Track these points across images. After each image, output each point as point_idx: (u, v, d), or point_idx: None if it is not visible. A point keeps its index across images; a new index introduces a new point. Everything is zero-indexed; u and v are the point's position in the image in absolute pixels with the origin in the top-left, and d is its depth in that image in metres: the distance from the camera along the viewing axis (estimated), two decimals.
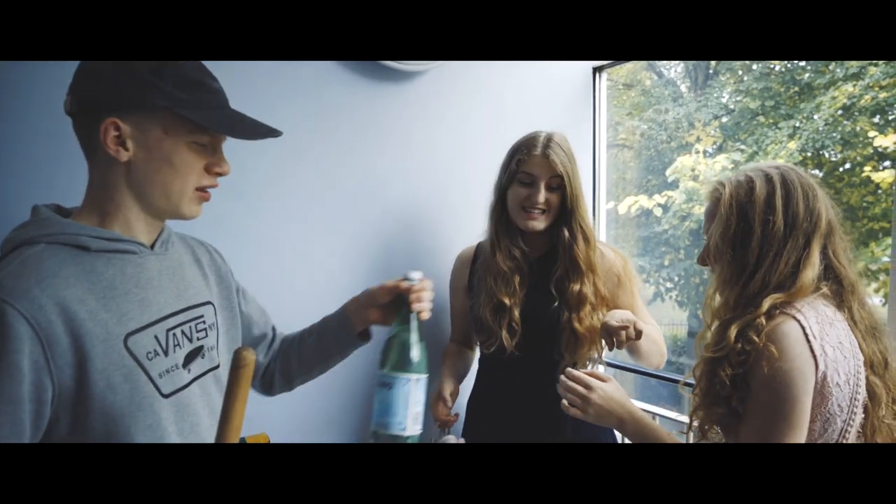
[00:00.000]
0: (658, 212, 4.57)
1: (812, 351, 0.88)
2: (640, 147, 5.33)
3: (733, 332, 0.93)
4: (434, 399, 1.44)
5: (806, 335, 0.90)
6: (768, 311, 0.93)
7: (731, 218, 1.02)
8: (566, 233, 1.47)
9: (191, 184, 0.89)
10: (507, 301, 1.45)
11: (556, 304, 1.47)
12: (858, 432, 0.94)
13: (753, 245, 1.02)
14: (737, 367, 0.92)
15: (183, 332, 0.91)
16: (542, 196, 1.43)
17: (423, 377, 0.90)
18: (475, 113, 1.83)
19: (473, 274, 1.57)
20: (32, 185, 1.24)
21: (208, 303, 0.97)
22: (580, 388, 1.08)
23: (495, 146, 1.67)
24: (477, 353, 1.62)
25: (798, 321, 0.90)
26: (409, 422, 0.92)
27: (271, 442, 1.56)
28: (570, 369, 1.09)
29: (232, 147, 1.00)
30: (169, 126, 0.85)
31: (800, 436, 0.92)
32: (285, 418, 1.61)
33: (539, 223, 1.45)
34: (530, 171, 1.45)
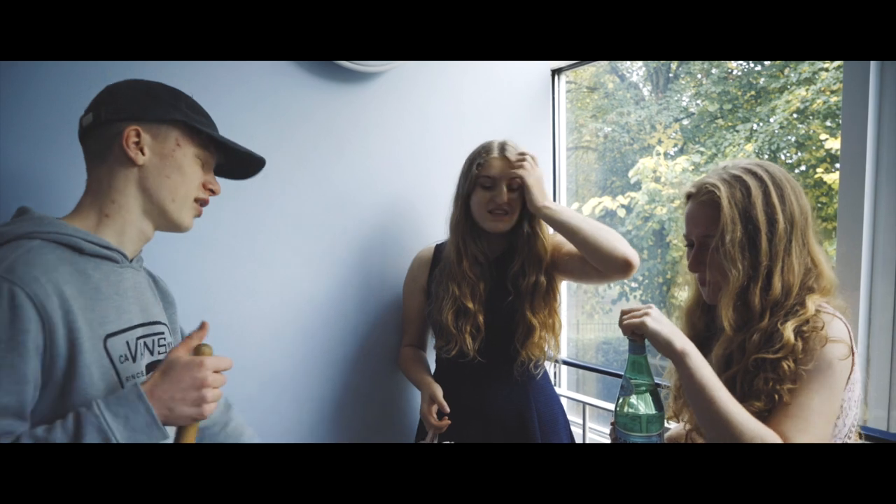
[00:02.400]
0: (622, 213, 4.65)
1: (853, 350, 0.98)
2: (604, 149, 5.42)
3: (789, 331, 0.98)
4: (428, 405, 1.44)
5: (849, 335, 0.99)
6: (815, 312, 1.01)
7: (736, 221, 1.02)
8: (526, 229, 1.49)
9: (192, 193, 1.01)
10: (471, 306, 1.47)
11: (510, 298, 1.49)
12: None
13: (763, 247, 1.03)
14: (798, 364, 0.98)
15: (146, 344, 0.96)
16: (504, 196, 1.46)
17: None
18: (434, 115, 1.83)
19: (432, 276, 1.57)
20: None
21: (164, 324, 1.03)
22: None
23: (454, 148, 1.68)
24: (432, 357, 1.62)
25: (843, 321, 0.99)
26: None
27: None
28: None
29: None
30: (182, 139, 0.98)
31: (835, 423, 0.99)
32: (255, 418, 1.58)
33: (505, 224, 1.48)
34: (490, 174, 1.47)
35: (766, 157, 4.80)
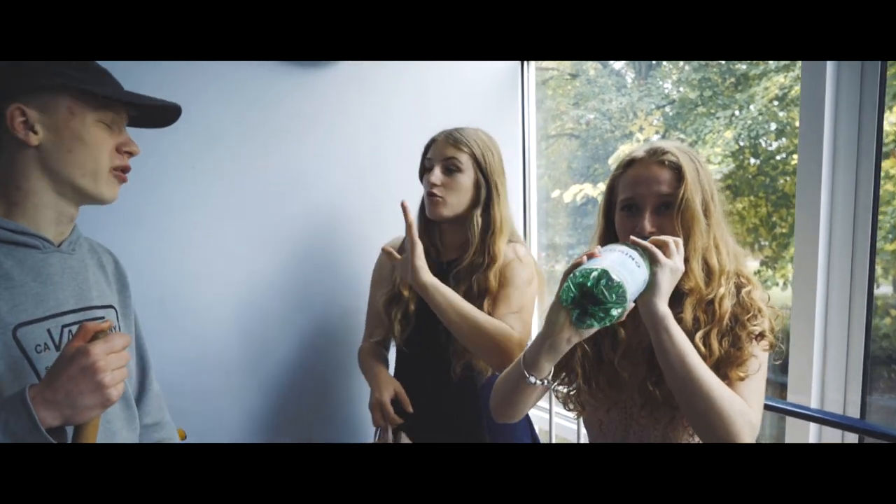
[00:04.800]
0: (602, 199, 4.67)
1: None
2: (587, 136, 5.42)
3: (757, 299, 1.12)
4: (383, 399, 1.41)
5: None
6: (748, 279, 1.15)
7: (696, 183, 1.11)
8: (478, 220, 1.47)
9: (105, 162, 0.93)
10: (405, 293, 1.43)
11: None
12: None
13: (713, 210, 1.13)
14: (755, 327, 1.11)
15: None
16: (435, 177, 1.42)
17: None
18: (397, 105, 1.82)
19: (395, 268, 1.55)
20: None
21: (111, 306, 1.00)
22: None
23: (417, 136, 1.67)
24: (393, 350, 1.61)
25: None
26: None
27: (187, 437, 1.52)
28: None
29: (143, 138, 1.01)
30: (73, 105, 0.89)
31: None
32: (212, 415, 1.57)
33: (439, 208, 1.44)
34: (430, 157, 1.46)
35: (746, 144, 4.80)
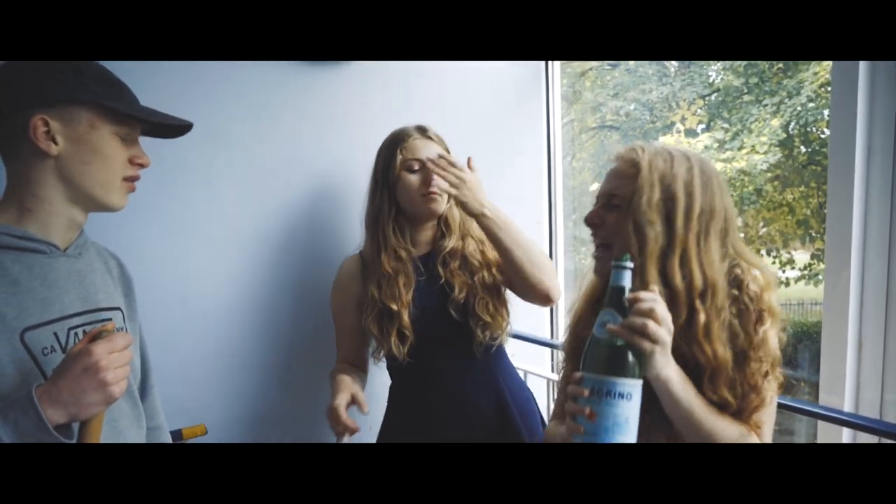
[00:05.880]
0: None
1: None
2: (627, 128, 5.29)
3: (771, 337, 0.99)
4: (328, 411, 1.31)
5: None
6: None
7: (654, 186, 0.98)
8: (455, 210, 1.43)
9: (117, 173, 0.96)
10: (393, 307, 1.38)
11: (440, 291, 1.39)
12: None
13: (679, 222, 0.98)
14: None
15: (85, 332, 0.93)
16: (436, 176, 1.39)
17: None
18: (415, 102, 1.79)
19: (365, 285, 1.47)
20: None
21: (117, 308, 1.01)
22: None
23: (439, 129, 1.60)
24: (384, 370, 1.53)
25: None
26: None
27: (208, 432, 1.56)
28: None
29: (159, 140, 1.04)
30: (94, 119, 0.91)
31: None
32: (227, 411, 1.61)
33: (439, 205, 1.42)
34: (417, 156, 1.42)
35: (795, 132, 4.61)
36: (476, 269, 1.44)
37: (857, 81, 1.29)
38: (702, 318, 0.97)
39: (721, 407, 0.96)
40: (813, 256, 4.38)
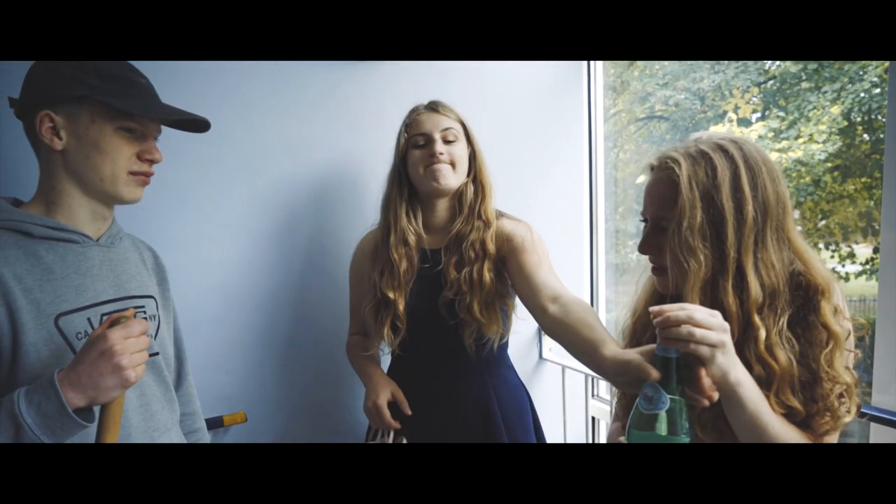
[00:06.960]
0: None
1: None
2: (677, 118, 5.15)
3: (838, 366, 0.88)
4: (380, 402, 1.35)
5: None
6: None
7: (696, 205, 0.88)
8: (469, 189, 1.39)
9: (122, 167, 0.98)
10: (391, 295, 1.36)
11: (442, 286, 1.37)
12: None
13: (730, 237, 0.89)
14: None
15: None
16: (439, 146, 1.36)
17: None
18: (452, 94, 1.80)
19: (373, 268, 1.46)
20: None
21: (151, 296, 1.05)
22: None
23: (480, 130, 1.59)
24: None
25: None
26: None
27: (247, 420, 1.61)
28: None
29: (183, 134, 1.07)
30: (95, 114, 0.93)
31: None
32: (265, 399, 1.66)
33: (446, 179, 1.36)
34: (422, 131, 1.40)
35: (858, 119, 4.35)
36: (468, 263, 1.37)
37: None
38: (762, 333, 0.88)
39: (788, 416, 0.89)
40: (876, 250, 4.16)
